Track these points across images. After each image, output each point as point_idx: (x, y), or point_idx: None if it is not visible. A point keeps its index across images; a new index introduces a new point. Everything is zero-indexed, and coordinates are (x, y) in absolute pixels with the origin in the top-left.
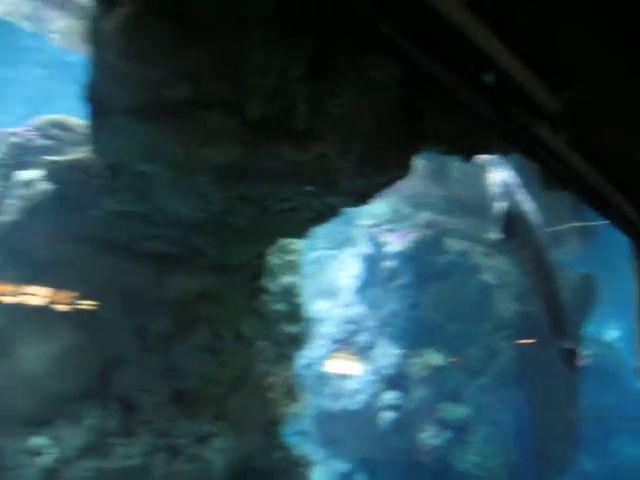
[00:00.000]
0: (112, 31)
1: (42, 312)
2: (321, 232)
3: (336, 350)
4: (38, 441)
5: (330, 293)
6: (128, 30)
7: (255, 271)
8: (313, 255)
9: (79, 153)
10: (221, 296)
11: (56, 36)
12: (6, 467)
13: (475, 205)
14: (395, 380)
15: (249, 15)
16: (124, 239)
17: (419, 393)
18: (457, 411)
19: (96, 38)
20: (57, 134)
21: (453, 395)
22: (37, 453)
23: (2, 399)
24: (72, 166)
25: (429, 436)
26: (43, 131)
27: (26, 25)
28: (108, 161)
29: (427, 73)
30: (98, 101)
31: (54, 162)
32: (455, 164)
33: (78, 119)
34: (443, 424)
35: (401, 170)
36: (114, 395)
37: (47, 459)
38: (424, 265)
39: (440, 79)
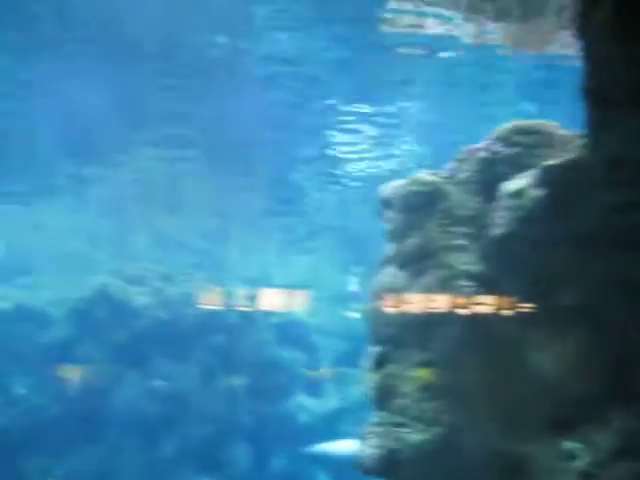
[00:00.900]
0: (603, 22)
1: (550, 317)
2: None
3: None
4: (570, 445)
5: None
6: (618, 17)
7: None
8: None
9: (567, 153)
10: None
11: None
12: (538, 471)
13: None
14: None
15: None
16: (621, 232)
17: None
18: None
19: (587, 32)
20: (521, 140)
21: None
22: (571, 457)
23: (525, 405)
24: (565, 167)
25: None
26: (506, 140)
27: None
28: (608, 155)
29: None
30: (597, 95)
31: (547, 167)
32: None
33: (539, 121)
34: None
35: None
36: (636, 395)
37: (582, 463)
38: None
39: None
